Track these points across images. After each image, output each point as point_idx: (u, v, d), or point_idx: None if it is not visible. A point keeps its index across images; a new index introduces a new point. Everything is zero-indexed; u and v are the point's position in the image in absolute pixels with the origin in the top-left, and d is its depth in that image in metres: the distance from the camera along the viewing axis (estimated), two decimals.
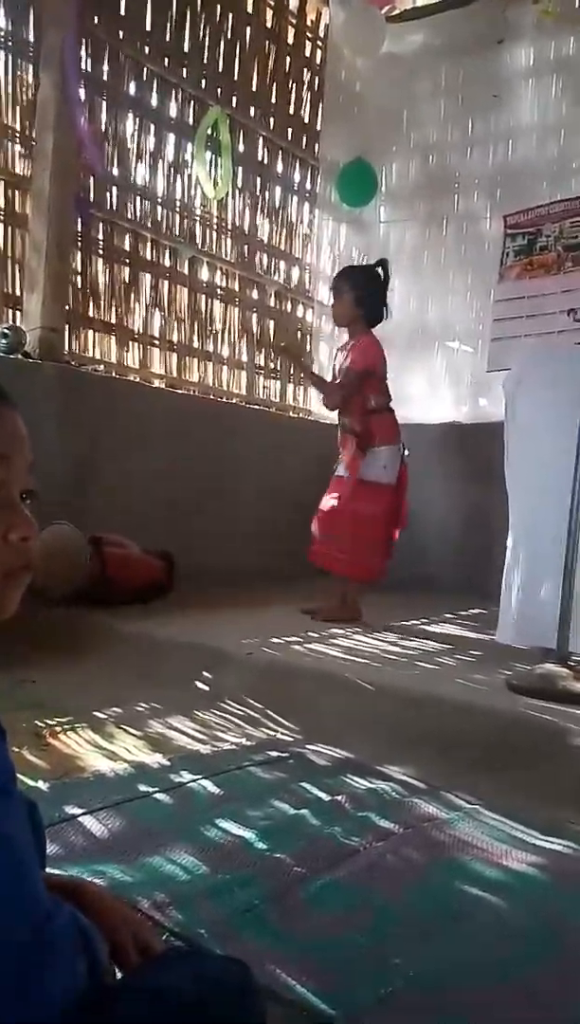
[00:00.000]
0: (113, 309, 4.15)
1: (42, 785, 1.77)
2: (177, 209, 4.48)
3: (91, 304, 4.05)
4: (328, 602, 3.47)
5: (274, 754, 2.11)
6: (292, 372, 5.21)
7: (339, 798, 1.81)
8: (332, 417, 3.72)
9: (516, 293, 4.53)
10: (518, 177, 4.78)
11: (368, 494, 3.40)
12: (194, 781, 1.85)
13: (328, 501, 3.47)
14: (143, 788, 1.79)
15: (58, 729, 2.18)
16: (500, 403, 3.29)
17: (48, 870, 1.27)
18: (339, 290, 3.52)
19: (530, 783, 1.97)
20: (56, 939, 0.71)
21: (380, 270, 3.55)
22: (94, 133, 3.85)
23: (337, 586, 3.50)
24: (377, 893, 1.40)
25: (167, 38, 4.30)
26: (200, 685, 2.66)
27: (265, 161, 5.03)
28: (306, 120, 5.27)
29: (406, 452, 3.49)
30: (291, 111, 5.16)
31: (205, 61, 4.52)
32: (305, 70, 5.22)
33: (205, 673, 2.68)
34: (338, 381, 3.50)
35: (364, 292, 3.48)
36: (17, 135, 3.67)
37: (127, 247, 4.21)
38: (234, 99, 4.71)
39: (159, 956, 0.86)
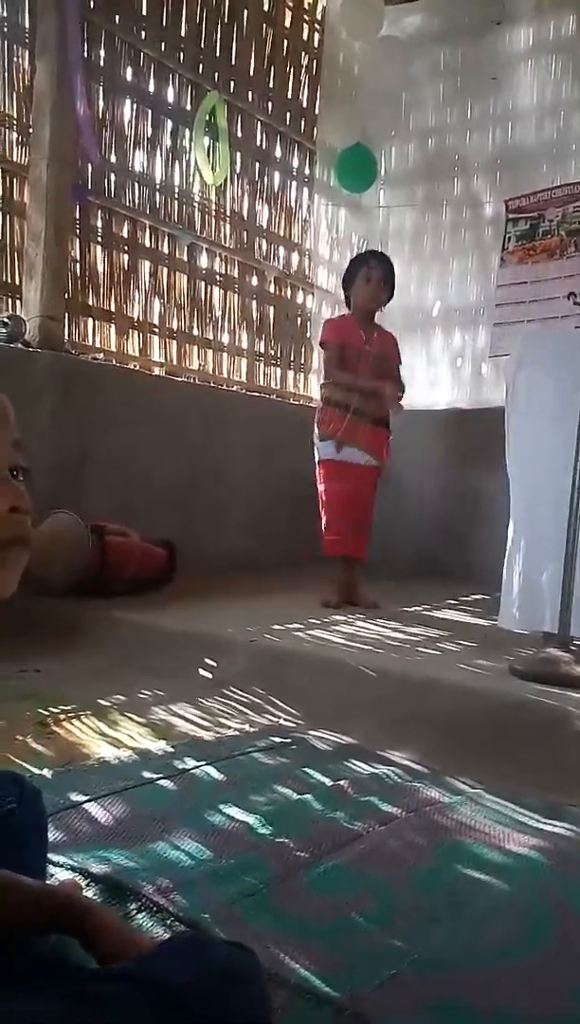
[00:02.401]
0: (112, 297, 4.14)
1: (46, 773, 1.78)
2: (176, 195, 4.46)
3: (90, 292, 4.04)
4: (356, 590, 3.52)
5: (277, 740, 2.11)
6: (293, 360, 5.21)
7: (342, 783, 1.82)
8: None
9: (518, 278, 4.53)
10: (518, 160, 4.77)
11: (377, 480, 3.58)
12: (197, 767, 1.86)
13: (368, 492, 3.52)
14: (147, 775, 1.80)
15: (62, 717, 2.19)
16: (501, 387, 3.29)
17: (61, 875, 1.29)
18: (386, 280, 3.55)
19: (532, 767, 1.98)
20: None
21: None
22: (92, 121, 3.82)
23: (361, 572, 3.56)
24: (380, 877, 1.41)
25: (164, 23, 4.27)
26: (203, 672, 2.67)
27: (263, 146, 5.00)
28: (304, 104, 5.23)
29: None
30: (289, 95, 5.12)
31: (202, 46, 4.49)
32: (303, 54, 5.18)
33: (207, 660, 2.69)
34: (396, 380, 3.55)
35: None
36: (14, 123, 3.65)
37: (125, 234, 4.19)
38: (232, 84, 4.68)
39: (164, 944, 0.86)
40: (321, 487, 3.55)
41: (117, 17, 4.01)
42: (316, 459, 3.56)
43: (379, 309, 3.61)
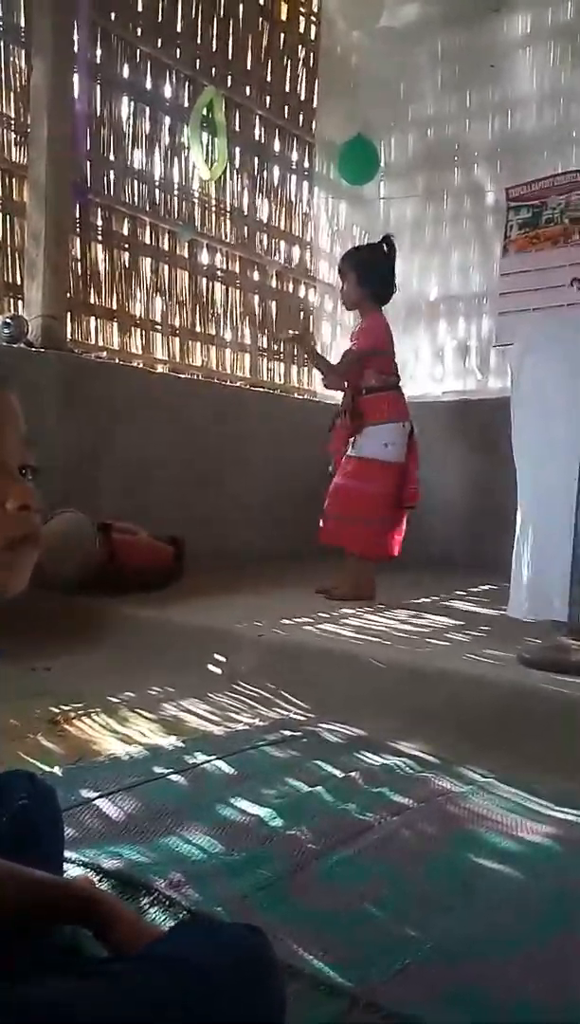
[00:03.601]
0: (114, 295, 4.14)
1: (57, 770, 1.78)
2: (175, 192, 4.45)
3: (92, 290, 4.04)
4: (343, 581, 3.48)
5: (287, 733, 2.11)
6: (296, 355, 5.20)
7: (353, 774, 1.82)
8: (338, 398, 3.71)
9: (521, 266, 4.51)
10: (518, 148, 4.75)
11: (371, 472, 3.40)
12: (208, 762, 1.86)
13: (338, 480, 3.48)
14: (158, 770, 1.80)
15: (72, 714, 2.19)
16: (505, 377, 3.27)
17: (73, 871, 1.29)
18: (343, 272, 3.52)
19: (543, 756, 1.97)
20: None
21: (385, 246, 3.52)
22: (88, 119, 3.81)
23: (350, 565, 3.49)
24: (392, 867, 1.41)
25: (159, 18, 4.26)
26: (212, 668, 2.67)
27: (262, 140, 4.99)
28: (302, 97, 5.22)
29: (414, 429, 3.48)
30: (287, 88, 5.11)
31: (199, 41, 4.48)
32: (300, 46, 5.17)
33: (217, 655, 2.69)
34: (336, 363, 3.50)
35: (367, 271, 3.46)
36: (12, 122, 3.64)
37: (126, 232, 4.19)
38: (229, 78, 4.67)
39: (173, 928, 0.86)
40: None
41: (113, 14, 4.01)
42: None
43: (351, 303, 3.55)
